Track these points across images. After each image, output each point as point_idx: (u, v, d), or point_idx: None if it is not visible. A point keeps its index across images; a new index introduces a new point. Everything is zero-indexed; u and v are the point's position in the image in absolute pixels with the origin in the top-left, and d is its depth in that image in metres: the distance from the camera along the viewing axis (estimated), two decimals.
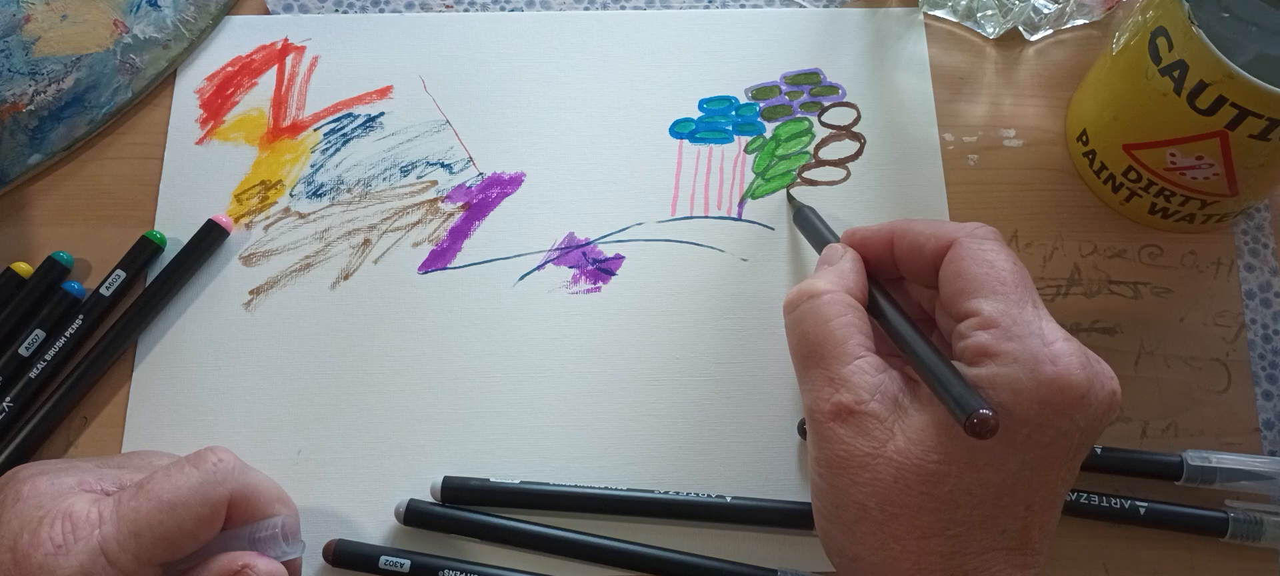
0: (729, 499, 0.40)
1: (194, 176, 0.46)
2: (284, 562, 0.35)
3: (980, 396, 0.31)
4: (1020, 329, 0.32)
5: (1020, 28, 0.49)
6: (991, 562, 0.32)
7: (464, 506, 0.41)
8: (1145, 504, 0.40)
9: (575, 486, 0.41)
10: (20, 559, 0.32)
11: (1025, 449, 0.32)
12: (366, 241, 0.45)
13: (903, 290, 0.39)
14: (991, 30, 0.49)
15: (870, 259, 0.38)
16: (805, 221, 0.44)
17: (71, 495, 0.34)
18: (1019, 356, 0.31)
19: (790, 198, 0.46)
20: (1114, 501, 0.40)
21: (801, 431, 0.42)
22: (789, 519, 0.40)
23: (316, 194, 0.46)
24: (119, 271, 0.44)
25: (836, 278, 0.36)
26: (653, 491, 0.41)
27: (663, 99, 0.48)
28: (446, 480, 0.41)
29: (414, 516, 0.40)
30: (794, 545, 0.40)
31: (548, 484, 0.41)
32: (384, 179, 0.47)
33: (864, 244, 0.38)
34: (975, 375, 0.32)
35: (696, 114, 0.48)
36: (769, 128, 0.48)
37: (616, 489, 0.41)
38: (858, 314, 0.35)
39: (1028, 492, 0.32)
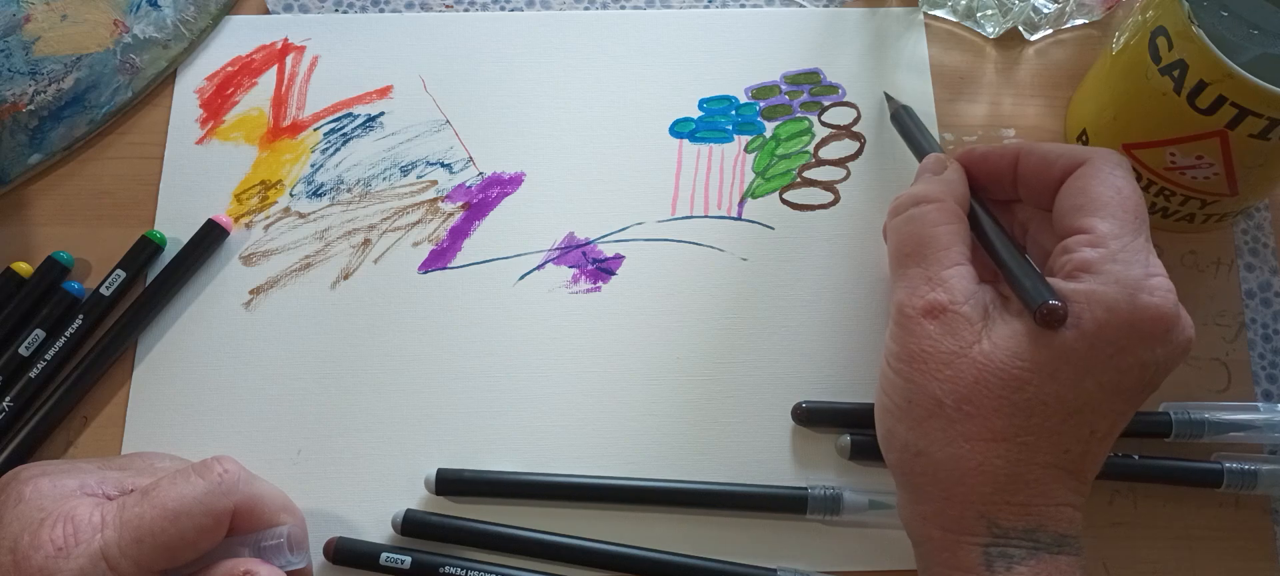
0: (722, 484, 0.40)
1: (194, 176, 0.46)
2: (289, 572, 0.35)
3: (1055, 293, 0.33)
4: (1128, 254, 0.33)
5: (1020, 27, 0.49)
6: (1051, 477, 0.33)
7: (460, 516, 0.40)
8: (1140, 462, 0.41)
9: (568, 476, 0.41)
10: (20, 559, 0.32)
11: (1104, 370, 0.33)
12: (366, 241, 0.45)
13: (1004, 211, 0.40)
14: (991, 30, 0.49)
15: (988, 176, 0.39)
16: (902, 124, 0.45)
17: (73, 498, 0.34)
18: (1120, 278, 0.33)
19: (888, 97, 0.47)
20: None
21: (795, 416, 0.42)
22: (783, 503, 0.40)
23: (316, 194, 0.46)
24: (119, 271, 0.44)
25: (945, 188, 0.38)
26: (644, 479, 0.41)
27: (663, 99, 0.48)
28: (440, 471, 0.40)
29: (412, 526, 0.40)
30: (789, 530, 0.41)
31: (541, 473, 0.41)
32: (384, 179, 0.47)
33: (985, 160, 0.39)
34: (1072, 289, 0.33)
35: (696, 114, 0.48)
36: (769, 127, 0.48)
37: (609, 477, 0.41)
38: (964, 226, 0.37)
39: (1094, 416, 0.33)
